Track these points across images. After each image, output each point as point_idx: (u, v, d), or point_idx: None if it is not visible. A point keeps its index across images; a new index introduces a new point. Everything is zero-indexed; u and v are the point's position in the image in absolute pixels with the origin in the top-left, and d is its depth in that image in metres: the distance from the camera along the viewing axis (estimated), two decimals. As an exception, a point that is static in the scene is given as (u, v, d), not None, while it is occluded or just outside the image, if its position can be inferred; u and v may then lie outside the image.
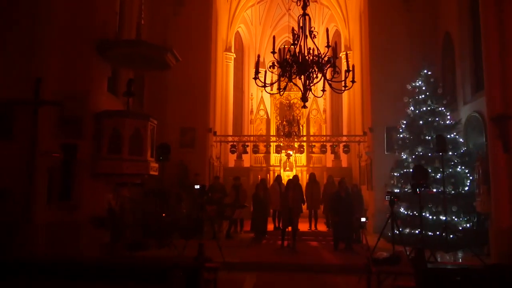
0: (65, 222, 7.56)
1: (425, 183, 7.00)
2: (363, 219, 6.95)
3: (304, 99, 5.32)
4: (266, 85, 5.44)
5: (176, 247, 8.26)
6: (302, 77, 5.30)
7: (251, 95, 19.41)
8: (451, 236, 9.37)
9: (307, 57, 5.11)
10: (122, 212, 8.64)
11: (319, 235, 11.36)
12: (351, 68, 5.42)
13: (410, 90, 11.92)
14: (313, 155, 17.97)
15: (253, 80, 5.87)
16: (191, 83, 14.03)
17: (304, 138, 15.94)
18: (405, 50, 13.42)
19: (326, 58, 5.18)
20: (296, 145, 15.96)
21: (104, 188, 8.30)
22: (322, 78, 5.38)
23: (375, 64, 13.75)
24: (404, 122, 11.70)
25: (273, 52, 5.32)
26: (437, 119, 11.06)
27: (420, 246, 7.08)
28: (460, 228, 9.85)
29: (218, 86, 18.01)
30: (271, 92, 7.05)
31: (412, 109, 11.49)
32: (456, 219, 10.04)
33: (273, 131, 17.57)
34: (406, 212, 10.59)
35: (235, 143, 15.22)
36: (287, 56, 5.14)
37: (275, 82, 5.48)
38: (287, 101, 12.29)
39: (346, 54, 5.89)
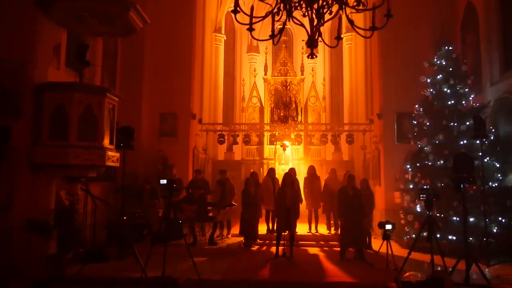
0: (-9, 228, 5.74)
1: (470, 177, 5.22)
2: (388, 226, 5.15)
3: (312, 43, 3.50)
4: (254, 19, 3.59)
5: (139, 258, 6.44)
6: (309, 12, 3.43)
7: (243, 80, 17.57)
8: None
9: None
10: (74, 214, 6.80)
11: (320, 240, 9.59)
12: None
13: (427, 69, 10.17)
14: (311, 147, 16.22)
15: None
16: (173, 62, 12.21)
17: (302, 127, 14.13)
18: (419, 24, 11.67)
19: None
20: (292, 135, 14.18)
21: (47, 183, 6.46)
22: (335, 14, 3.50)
23: (385, 41, 11.95)
24: (420, 106, 9.94)
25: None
26: (462, 101, 9.30)
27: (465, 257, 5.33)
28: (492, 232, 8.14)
29: (206, 70, 16.16)
30: (262, 39, 5.14)
31: (431, 90, 9.71)
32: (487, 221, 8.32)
33: (267, 120, 15.77)
34: (426, 213, 8.84)
35: (223, 133, 13.37)
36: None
37: (266, 16, 3.63)
38: (284, 87, 10.38)
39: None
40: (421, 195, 5.51)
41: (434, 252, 5.45)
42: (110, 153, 6.43)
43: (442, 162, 8.91)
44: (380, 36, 12.07)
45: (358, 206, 7.66)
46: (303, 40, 3.75)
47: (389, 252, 5.17)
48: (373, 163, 12.49)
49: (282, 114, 10.12)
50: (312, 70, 17.17)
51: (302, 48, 17.70)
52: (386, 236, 5.19)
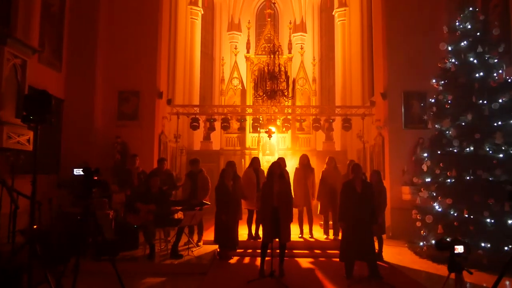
0: None
1: None
2: (459, 248, 3.13)
3: None
4: None
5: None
6: None
7: (223, 59, 15.41)
8: None
9: None
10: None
11: (315, 247, 7.61)
12: None
13: (445, 36, 8.25)
14: (300, 135, 14.26)
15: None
16: (135, 30, 10.05)
17: (290, 110, 12.12)
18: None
19: None
20: (279, 121, 12.18)
21: None
22: None
23: (390, 6, 10.02)
24: (439, 80, 8.03)
25: None
26: (493, 74, 7.43)
27: None
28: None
29: (180, 46, 14.04)
30: None
31: (453, 60, 7.79)
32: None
33: (249, 103, 13.71)
34: (451, 213, 6.96)
35: (197, 116, 11.25)
36: None
37: None
38: (271, 53, 8.21)
39: None
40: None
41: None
42: (13, 130, 4.30)
43: (472, 148, 7.01)
44: (385, 3, 10.15)
45: (368, 208, 5.69)
46: None
47: (458, 285, 3.07)
48: (375, 153, 10.59)
49: (268, 88, 7.93)
50: (301, 48, 15.17)
51: (290, 23, 15.72)
52: (455, 265, 3.11)
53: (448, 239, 3.64)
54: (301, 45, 15.58)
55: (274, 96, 7.90)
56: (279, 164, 6.06)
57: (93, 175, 3.69)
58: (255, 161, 8.05)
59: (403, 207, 9.05)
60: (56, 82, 9.02)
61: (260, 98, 8.29)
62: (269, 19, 14.58)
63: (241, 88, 14.72)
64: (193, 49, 15.48)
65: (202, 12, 16.12)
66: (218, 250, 7.07)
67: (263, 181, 6.86)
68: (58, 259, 5.26)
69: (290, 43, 14.70)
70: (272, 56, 8.32)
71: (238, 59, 15.01)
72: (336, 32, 15.81)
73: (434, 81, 8.06)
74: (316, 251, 7.46)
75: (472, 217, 6.68)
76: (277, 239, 5.74)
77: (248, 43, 14.76)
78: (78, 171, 3.91)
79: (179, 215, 7.07)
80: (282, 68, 8.22)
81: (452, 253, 3.01)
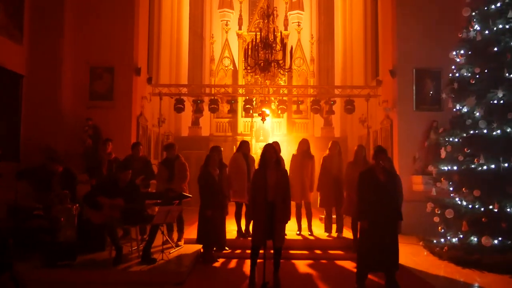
0: None
1: None
2: None
3: None
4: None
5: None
6: None
7: (212, 37, 14.14)
8: None
9: None
10: None
11: (315, 247, 6.48)
12: None
13: (469, 0, 7.09)
14: (296, 120, 13.13)
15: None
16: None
17: (286, 91, 10.94)
18: None
19: None
20: (273, 105, 11.04)
21: None
22: None
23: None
24: (460, 51, 6.88)
25: None
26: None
27: None
28: None
29: (165, 22, 12.76)
30: None
31: (478, 28, 6.63)
32: None
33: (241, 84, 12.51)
34: (478, 207, 5.87)
35: (182, 97, 10.04)
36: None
37: None
38: (265, 16, 6.99)
39: None
40: None
41: None
42: None
43: (503, 130, 5.90)
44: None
45: (393, 202, 4.60)
46: None
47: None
48: (382, 138, 9.47)
49: (261, 58, 6.64)
50: (298, 25, 13.93)
51: (286, -3, 14.46)
52: None
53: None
54: (298, 22, 14.33)
55: (268, 67, 6.66)
56: (274, 148, 4.88)
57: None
58: (244, 145, 6.84)
59: (414, 199, 7.95)
60: (16, 55, 7.77)
61: (251, 71, 7.06)
62: (263, -8, 13.30)
63: (232, 68, 13.50)
64: (180, 26, 14.21)
65: (190, -15, 14.82)
66: (202, 251, 5.94)
67: (253, 170, 5.75)
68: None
69: (286, 19, 13.48)
70: (266, 18, 7.07)
71: (229, 38, 13.76)
72: (336, 8, 14.59)
73: (454, 53, 6.92)
74: (317, 251, 6.35)
75: (504, 212, 5.61)
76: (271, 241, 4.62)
77: (240, 19, 13.51)
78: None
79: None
80: (278, 35, 6.97)
81: None
